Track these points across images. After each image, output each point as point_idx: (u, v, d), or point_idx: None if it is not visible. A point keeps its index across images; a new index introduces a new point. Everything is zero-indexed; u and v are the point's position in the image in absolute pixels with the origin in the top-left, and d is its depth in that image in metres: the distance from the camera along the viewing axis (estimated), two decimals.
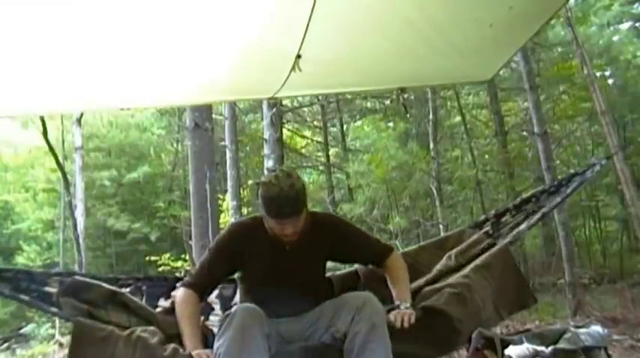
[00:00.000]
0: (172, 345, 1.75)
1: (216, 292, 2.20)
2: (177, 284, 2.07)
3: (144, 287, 2.16)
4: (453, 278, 2.05)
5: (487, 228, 2.34)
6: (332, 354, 1.71)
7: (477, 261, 2.08)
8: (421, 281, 2.14)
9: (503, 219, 2.33)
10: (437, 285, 2.03)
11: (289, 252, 1.91)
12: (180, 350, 1.73)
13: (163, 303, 2.11)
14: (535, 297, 2.17)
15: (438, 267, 2.20)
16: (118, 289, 1.97)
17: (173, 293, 2.12)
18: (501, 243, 2.19)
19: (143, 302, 2.03)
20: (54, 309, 1.84)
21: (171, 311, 1.95)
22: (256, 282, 1.94)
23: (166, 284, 2.23)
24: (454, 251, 2.24)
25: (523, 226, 2.22)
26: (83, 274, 2.15)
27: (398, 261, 2.05)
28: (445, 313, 1.84)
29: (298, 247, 1.90)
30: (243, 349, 1.57)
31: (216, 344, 1.63)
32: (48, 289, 1.86)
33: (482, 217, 2.50)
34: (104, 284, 1.94)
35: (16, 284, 1.82)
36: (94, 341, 1.68)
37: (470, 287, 1.94)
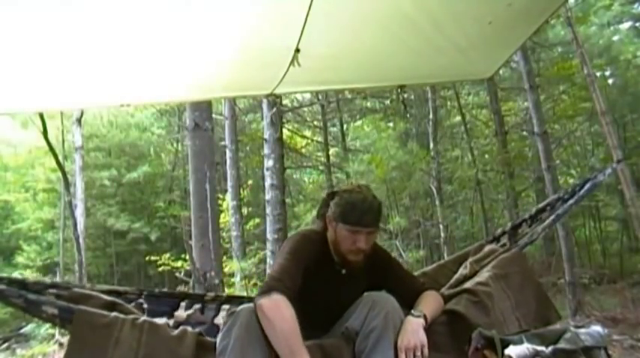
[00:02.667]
0: (182, 327, 1.72)
1: (224, 313, 2.09)
2: (257, 296, 1.63)
3: (145, 305, 2.06)
4: (470, 284, 2.01)
5: (504, 240, 2.34)
6: (346, 353, 1.67)
7: (495, 269, 2.05)
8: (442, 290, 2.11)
9: (520, 230, 2.32)
10: (453, 290, 2.01)
11: (344, 277, 1.84)
12: (189, 330, 1.70)
13: (165, 321, 2.02)
14: (558, 312, 2.12)
15: (456, 276, 2.18)
16: (117, 299, 1.91)
17: (177, 314, 2.05)
18: (516, 247, 2.19)
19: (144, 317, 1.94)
20: (51, 310, 1.71)
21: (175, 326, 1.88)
22: (302, 299, 1.69)
23: (170, 301, 2.11)
24: (470, 260, 2.23)
25: (538, 229, 2.22)
26: (81, 286, 2.02)
27: (433, 293, 1.92)
28: (465, 318, 1.80)
29: (354, 274, 1.84)
30: (247, 348, 1.53)
31: (220, 343, 1.59)
32: (43, 300, 1.76)
33: (500, 230, 2.49)
34: (103, 296, 1.89)
35: (9, 293, 1.73)
36: (96, 327, 1.64)
37: (491, 296, 1.91)
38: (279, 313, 1.54)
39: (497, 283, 1.97)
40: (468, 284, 2.01)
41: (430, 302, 1.83)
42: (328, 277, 1.82)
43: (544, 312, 2.06)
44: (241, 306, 1.66)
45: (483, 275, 2.04)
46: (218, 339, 1.61)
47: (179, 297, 2.16)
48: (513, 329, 1.89)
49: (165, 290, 2.27)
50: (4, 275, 1.93)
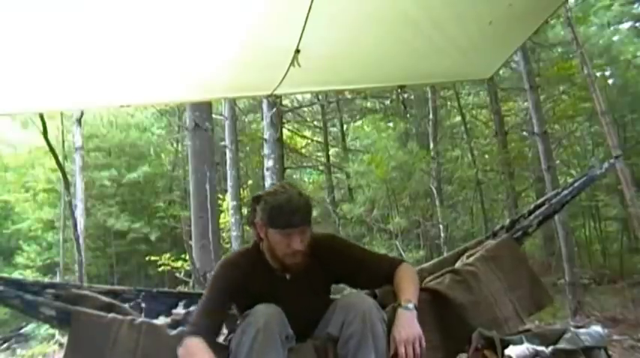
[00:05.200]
0: (180, 328, 1.73)
1: None
2: (181, 332, 1.72)
3: (143, 304, 2.05)
4: (456, 265, 2.02)
5: (502, 234, 2.32)
6: (331, 355, 1.68)
7: (483, 252, 2.06)
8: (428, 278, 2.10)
9: (517, 226, 2.30)
10: (439, 272, 2.01)
11: (291, 282, 1.78)
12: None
13: (163, 319, 2.03)
14: (550, 296, 2.10)
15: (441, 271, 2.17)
16: (114, 301, 1.91)
17: (174, 311, 2.05)
18: (507, 235, 2.19)
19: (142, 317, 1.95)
20: (49, 312, 1.71)
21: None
22: None
23: (167, 300, 2.11)
24: (466, 254, 2.22)
25: (531, 218, 2.22)
26: (79, 286, 2.02)
27: (408, 268, 1.85)
28: (447, 297, 1.80)
29: (300, 276, 1.77)
30: (264, 349, 1.53)
31: (235, 342, 1.59)
32: (40, 301, 1.75)
33: (498, 226, 2.49)
34: (101, 297, 1.88)
35: (7, 294, 1.72)
36: (94, 328, 1.64)
37: (476, 275, 1.91)
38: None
39: (484, 264, 1.97)
40: (454, 267, 2.02)
41: (411, 284, 1.78)
42: (274, 287, 1.76)
43: (537, 296, 2.05)
44: (255, 308, 1.64)
45: (471, 258, 2.06)
46: (233, 341, 1.61)
47: (177, 297, 2.15)
48: (507, 312, 1.90)
49: (163, 289, 2.27)
50: (2, 275, 1.93)
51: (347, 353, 1.61)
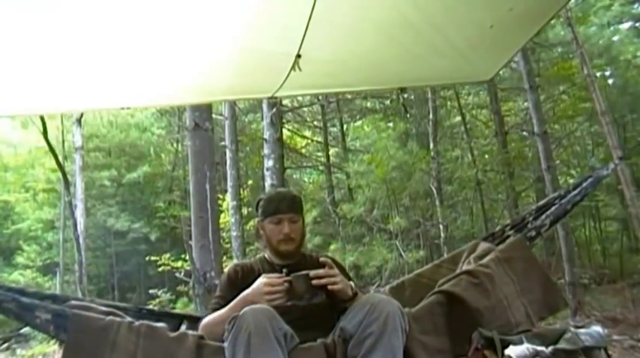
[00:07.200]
0: (181, 331, 1.71)
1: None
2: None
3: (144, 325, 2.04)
4: (471, 266, 1.97)
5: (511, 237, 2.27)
6: (339, 354, 1.62)
7: (498, 253, 2.01)
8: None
9: (530, 225, 2.25)
10: (452, 274, 1.97)
11: (289, 274, 1.80)
12: (190, 332, 1.68)
13: None
14: (564, 299, 2.06)
15: (457, 271, 2.09)
16: (116, 311, 1.86)
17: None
18: (520, 235, 2.15)
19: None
20: (45, 316, 1.68)
21: None
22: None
23: (170, 321, 2.03)
24: (472, 257, 2.15)
25: (543, 217, 2.19)
26: (79, 299, 1.97)
27: None
28: (464, 301, 1.76)
29: (296, 269, 1.80)
30: (259, 348, 1.47)
31: (229, 349, 1.53)
32: (36, 304, 1.72)
33: (498, 228, 2.44)
34: (102, 307, 1.84)
35: (3, 298, 1.69)
36: (93, 330, 1.61)
37: (492, 278, 1.86)
38: (206, 321, 1.79)
39: (499, 266, 1.93)
40: (469, 267, 1.98)
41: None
42: None
43: (551, 299, 1.99)
44: (243, 311, 1.57)
45: (485, 258, 2.01)
46: (227, 349, 1.55)
47: (180, 318, 2.12)
48: (519, 317, 1.85)
49: (165, 309, 2.26)
50: (3, 283, 1.90)
51: (358, 353, 1.53)
